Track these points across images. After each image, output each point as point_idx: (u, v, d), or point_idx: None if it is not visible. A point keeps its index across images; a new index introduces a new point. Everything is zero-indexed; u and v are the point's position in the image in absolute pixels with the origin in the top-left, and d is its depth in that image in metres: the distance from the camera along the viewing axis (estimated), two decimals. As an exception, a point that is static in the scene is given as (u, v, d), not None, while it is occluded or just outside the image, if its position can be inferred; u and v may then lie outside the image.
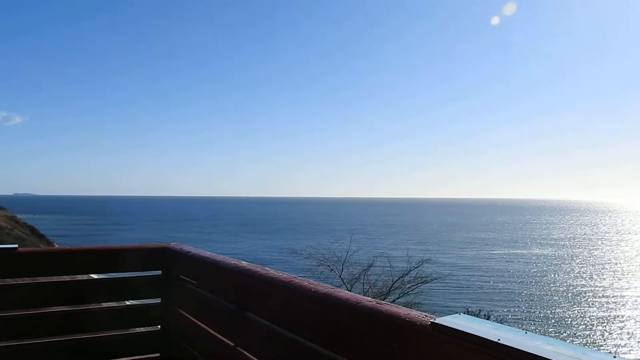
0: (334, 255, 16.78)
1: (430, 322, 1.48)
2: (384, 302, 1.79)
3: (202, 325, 2.88)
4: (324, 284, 2.21)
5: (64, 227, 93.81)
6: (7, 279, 3.10)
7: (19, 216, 73.66)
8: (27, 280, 3.11)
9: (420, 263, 17.34)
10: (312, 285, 2.10)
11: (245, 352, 2.39)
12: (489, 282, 44.04)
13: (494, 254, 63.75)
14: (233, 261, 2.66)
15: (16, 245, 2.96)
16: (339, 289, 2.10)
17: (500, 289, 41.27)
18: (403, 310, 1.62)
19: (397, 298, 15.64)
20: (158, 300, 3.36)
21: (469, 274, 46.63)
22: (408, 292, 15.93)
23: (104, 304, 3.40)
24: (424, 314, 1.58)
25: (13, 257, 2.94)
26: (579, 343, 25.87)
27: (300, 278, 2.25)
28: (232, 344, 2.52)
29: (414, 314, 1.58)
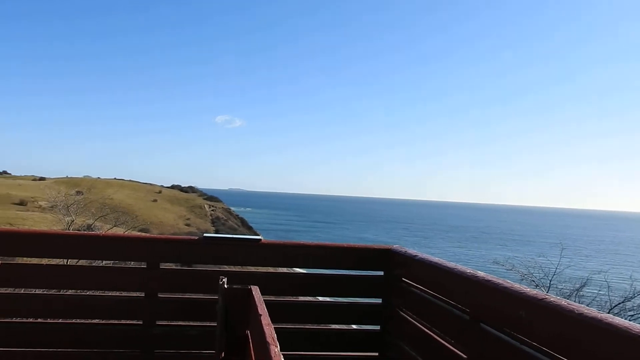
0: (541, 269, 15.33)
1: None
2: None
3: (427, 330, 2.80)
4: (588, 307, 1.94)
5: (268, 221, 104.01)
6: (251, 267, 3.42)
7: (232, 208, 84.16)
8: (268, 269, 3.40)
9: (646, 288, 14.90)
10: (573, 307, 1.84)
11: None
12: None
13: None
14: (469, 270, 2.53)
15: (260, 237, 3.25)
16: (610, 315, 1.81)
17: None
18: None
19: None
20: (379, 301, 3.38)
21: None
22: (629, 320, 13.76)
23: (326, 298, 3.54)
24: None
25: (257, 248, 3.24)
26: None
27: (555, 296, 2.02)
28: (465, 356, 2.40)
29: None
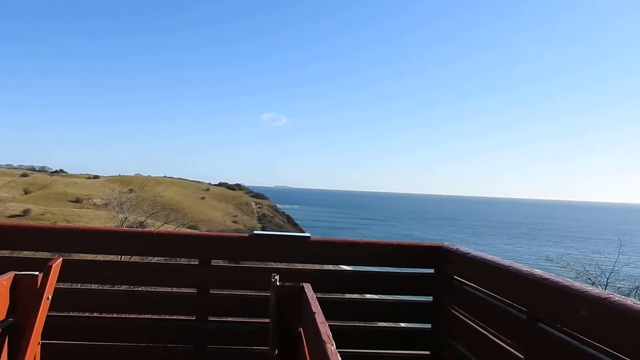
0: (597, 267, 14.61)
1: None
2: None
3: (481, 330, 2.73)
4: None
5: (313, 218, 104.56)
6: (298, 264, 3.42)
7: (278, 206, 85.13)
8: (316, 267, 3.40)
9: None
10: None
11: None
12: None
13: None
14: (525, 268, 2.45)
15: (309, 235, 3.25)
16: None
17: None
18: None
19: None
20: (429, 299, 3.32)
21: None
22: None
23: (374, 296, 3.50)
24: None
25: (306, 245, 3.25)
26: None
27: (619, 296, 1.91)
28: (522, 355, 2.32)
29: None
